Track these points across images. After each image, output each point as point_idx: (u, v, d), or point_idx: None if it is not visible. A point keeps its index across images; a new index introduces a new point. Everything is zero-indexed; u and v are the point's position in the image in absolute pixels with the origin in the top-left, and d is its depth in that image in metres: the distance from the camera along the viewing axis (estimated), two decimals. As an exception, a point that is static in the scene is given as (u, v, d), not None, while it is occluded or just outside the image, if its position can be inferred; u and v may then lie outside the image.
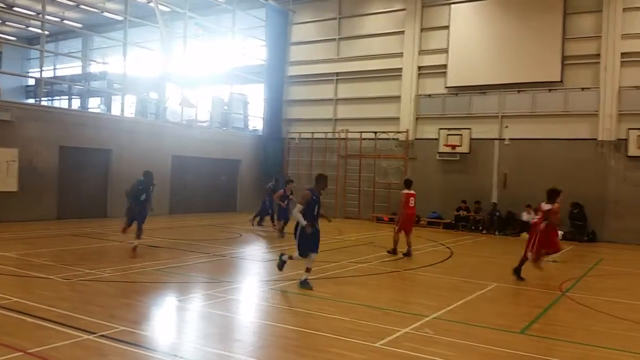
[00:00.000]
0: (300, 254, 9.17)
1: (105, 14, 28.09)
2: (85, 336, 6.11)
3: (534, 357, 6.14)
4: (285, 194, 16.58)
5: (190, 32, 23.93)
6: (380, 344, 6.30)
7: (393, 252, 13.56)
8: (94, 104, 29.13)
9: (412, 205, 13.55)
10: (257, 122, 27.90)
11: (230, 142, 25.13)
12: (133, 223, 12.02)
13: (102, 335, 6.14)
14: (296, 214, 8.93)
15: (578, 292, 10.04)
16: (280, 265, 9.58)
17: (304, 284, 9.08)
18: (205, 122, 25.45)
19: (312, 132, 25.66)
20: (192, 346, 6.16)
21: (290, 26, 26.93)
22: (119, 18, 24.94)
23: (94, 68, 31.93)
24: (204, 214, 22.51)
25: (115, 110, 23.41)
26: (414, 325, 7.14)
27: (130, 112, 23.51)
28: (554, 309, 8.77)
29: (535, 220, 10.99)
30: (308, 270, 9.20)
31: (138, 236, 11.91)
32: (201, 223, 19.64)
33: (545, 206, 10.78)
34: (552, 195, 10.84)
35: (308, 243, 9.07)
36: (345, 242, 15.97)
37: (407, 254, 13.34)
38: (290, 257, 9.40)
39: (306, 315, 7.55)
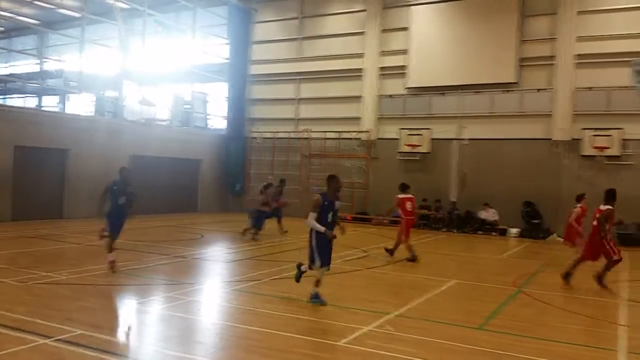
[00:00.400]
0: (322, 264, 8.18)
1: (62, 10, 27.31)
2: (42, 341, 5.94)
3: (492, 353, 6.30)
4: (267, 199, 16.17)
5: (149, 29, 23.50)
6: (344, 342, 6.35)
7: (412, 259, 12.83)
8: (50, 103, 28.29)
9: (409, 209, 13.17)
10: (218, 121, 27.65)
11: (191, 141, 24.81)
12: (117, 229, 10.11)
13: (60, 340, 5.98)
14: (311, 222, 8.02)
15: (534, 288, 10.34)
16: (298, 277, 8.66)
17: (316, 299, 8.14)
18: (165, 120, 25.05)
19: (275, 132, 25.60)
20: (152, 349, 6.07)
21: (252, 25, 26.79)
22: (76, 15, 24.29)
23: (50, 66, 30.99)
24: (164, 214, 22.13)
25: (72, 109, 22.81)
26: (376, 323, 7.22)
27: (87, 111, 22.95)
28: (511, 304, 9.00)
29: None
30: (318, 283, 8.23)
31: (111, 249, 10.08)
32: (161, 224, 19.33)
33: (603, 207, 10.73)
34: (610, 195, 10.90)
35: (322, 254, 8.14)
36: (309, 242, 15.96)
37: (412, 260, 12.83)
38: (310, 268, 8.39)
39: (269, 316, 7.53)
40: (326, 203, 8.12)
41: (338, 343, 6.32)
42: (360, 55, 23.90)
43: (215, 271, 11.53)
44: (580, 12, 19.97)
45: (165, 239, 15.25)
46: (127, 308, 8.13)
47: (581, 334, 7.28)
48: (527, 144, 20.63)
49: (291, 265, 11.54)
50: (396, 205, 13.32)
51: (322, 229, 8.00)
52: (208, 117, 27.67)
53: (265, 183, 17.36)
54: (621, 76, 19.29)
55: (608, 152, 19.11)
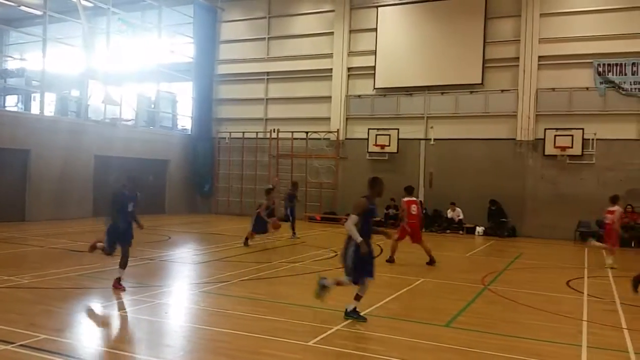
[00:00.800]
0: (354, 280, 7.36)
1: (23, 8, 26.56)
2: (3, 346, 5.78)
3: (459, 349, 6.40)
4: (269, 204, 15.45)
5: (114, 28, 23.06)
6: (313, 343, 6.36)
7: (390, 260, 12.75)
8: (11, 102, 27.47)
9: (414, 213, 12.69)
10: (186, 121, 27.34)
11: (157, 141, 24.46)
12: (116, 246, 9.00)
13: (22, 345, 5.83)
14: (350, 227, 7.16)
15: (500, 285, 10.55)
16: (320, 293, 7.59)
17: (354, 315, 7.37)
18: (130, 120, 24.62)
19: (243, 132, 25.45)
20: (118, 353, 5.96)
21: (219, 24, 26.58)
22: (38, 13, 23.65)
23: (10, 64, 30.08)
24: (130, 216, 21.77)
25: (34, 109, 22.23)
26: (345, 323, 7.25)
27: (49, 111, 22.38)
28: (478, 302, 9.16)
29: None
30: (358, 298, 7.43)
31: (124, 264, 8.93)
32: (128, 225, 18.96)
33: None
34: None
35: (365, 265, 7.35)
36: (277, 242, 15.95)
37: (431, 262, 12.54)
38: (339, 283, 7.55)
39: (238, 317, 7.49)
40: (371, 207, 7.41)
41: (307, 343, 6.33)
42: (328, 56, 23.97)
43: (183, 273, 11.39)
44: (543, 15, 20.45)
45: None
46: (93, 311, 7.97)
47: (545, 329, 7.45)
48: (491, 143, 21.03)
49: (262, 266, 11.52)
50: (406, 209, 12.74)
51: (358, 238, 7.12)
52: (177, 117, 27.35)
53: (270, 186, 17.13)
54: (582, 77, 19.87)
55: (570, 152, 19.62)
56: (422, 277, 11.00)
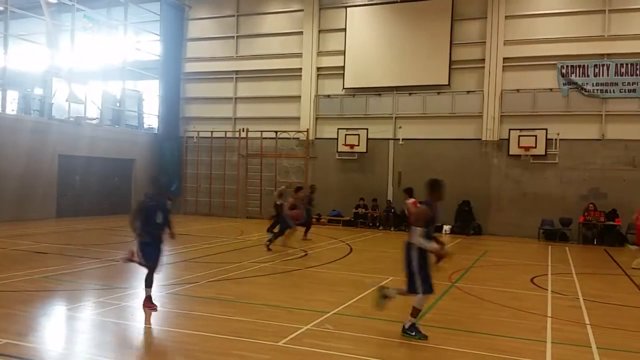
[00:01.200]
0: (426, 290, 6.73)
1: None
2: (-39, 353, 5.61)
3: (427, 346, 6.49)
4: (297, 203, 15.41)
5: (78, 25, 22.58)
6: (283, 343, 6.36)
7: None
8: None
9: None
10: (152, 120, 26.95)
11: (123, 140, 24.05)
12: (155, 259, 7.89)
13: (-19, 351, 5.66)
14: (421, 240, 6.61)
15: (466, 283, 10.72)
16: (381, 302, 7.18)
17: (413, 332, 6.75)
18: (95, 119, 24.13)
19: (212, 131, 25.22)
20: (83, 357, 5.85)
21: (186, 22, 26.28)
22: (0, 8, 23.00)
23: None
24: (95, 217, 21.37)
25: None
26: (315, 322, 7.27)
27: (12, 109, 21.79)
28: (445, 299, 9.29)
29: None
30: (416, 313, 6.80)
31: (149, 284, 7.83)
32: (92, 226, 18.63)
33: None
34: None
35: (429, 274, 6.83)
36: (246, 242, 15.88)
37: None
38: (401, 292, 7.06)
39: (206, 319, 7.43)
40: (432, 214, 6.75)
41: (277, 343, 6.32)
42: (298, 55, 23.95)
43: (151, 274, 11.22)
44: (508, 17, 20.85)
45: (97, 243, 14.71)
46: (56, 315, 7.79)
47: (510, 326, 7.61)
48: (458, 143, 21.35)
49: (231, 266, 11.44)
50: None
51: (434, 247, 6.71)
52: (143, 115, 26.94)
53: (281, 188, 17.04)
54: (546, 78, 20.34)
55: (533, 152, 20.06)
56: (392, 275, 11.09)
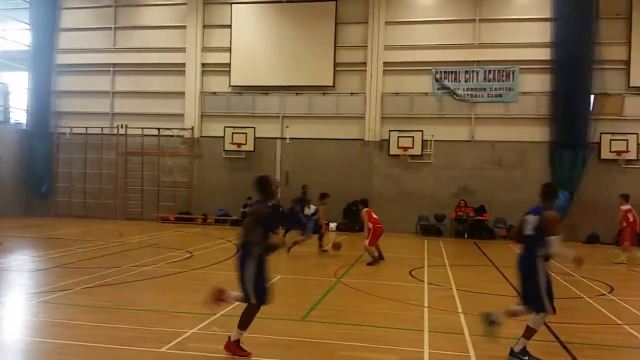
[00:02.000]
0: (548, 308, 5.99)
1: None
2: None
3: (313, 342, 6.63)
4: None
5: None
6: (166, 349, 6.16)
7: (379, 258, 13.51)
8: None
9: (376, 216, 13.62)
10: (20, 115, 24.79)
11: (-15, 136, 21.87)
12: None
13: None
14: (561, 250, 5.97)
15: (351, 278, 11.08)
16: (490, 330, 6.25)
17: (525, 356, 6.02)
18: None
19: (86, 127, 23.68)
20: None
21: (59, 10, 24.44)
22: None
23: None
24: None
25: None
26: (201, 325, 7.13)
27: None
28: (330, 295, 9.54)
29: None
30: (531, 334, 6.06)
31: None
32: (-52, 231, 16.75)
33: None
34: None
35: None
36: (126, 245, 15.13)
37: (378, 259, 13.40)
38: (513, 314, 6.32)
39: (84, 328, 6.98)
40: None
41: (160, 350, 6.11)
42: (181, 50, 23.23)
43: (19, 282, 10.32)
44: (388, 23, 21.80)
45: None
46: None
47: (391, 317, 7.98)
48: (342, 143, 21.97)
49: (109, 271, 10.83)
50: (368, 217, 13.47)
51: (572, 253, 6.09)
52: (9, 110, 24.69)
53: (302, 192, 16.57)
54: (422, 83, 21.54)
55: (411, 152, 21.20)
56: (279, 274, 11.15)
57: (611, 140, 19.72)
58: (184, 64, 23.20)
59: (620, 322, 8.13)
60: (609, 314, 8.61)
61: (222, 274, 11.33)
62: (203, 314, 7.64)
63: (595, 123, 19.66)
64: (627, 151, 19.58)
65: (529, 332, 6.03)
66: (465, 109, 21.30)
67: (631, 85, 20.00)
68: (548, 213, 6.06)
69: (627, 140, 19.64)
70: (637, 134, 19.71)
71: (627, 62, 20.02)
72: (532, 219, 6.16)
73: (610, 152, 19.69)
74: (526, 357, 5.99)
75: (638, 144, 19.66)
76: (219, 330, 6.91)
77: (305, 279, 11.10)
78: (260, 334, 6.81)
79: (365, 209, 13.73)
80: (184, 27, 23.30)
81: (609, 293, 10.35)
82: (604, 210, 18.19)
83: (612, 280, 11.59)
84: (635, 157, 19.64)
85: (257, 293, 6.06)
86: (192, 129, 23.00)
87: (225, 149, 22.46)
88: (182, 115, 23.24)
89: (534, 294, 6.01)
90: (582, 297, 9.91)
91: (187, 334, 6.72)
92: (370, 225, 13.39)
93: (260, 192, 6.40)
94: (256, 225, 6.04)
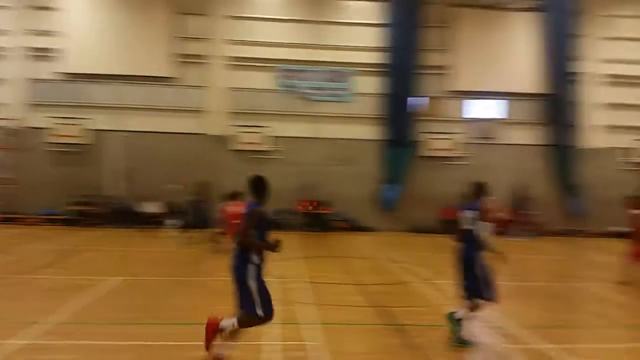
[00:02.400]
0: (492, 297, 6.75)
1: None
2: None
3: (153, 345, 6.47)
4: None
5: None
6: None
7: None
8: None
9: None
10: None
11: None
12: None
13: None
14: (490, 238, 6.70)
15: (198, 276, 10.96)
16: (458, 330, 6.64)
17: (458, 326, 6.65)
18: None
19: None
20: None
21: None
22: None
23: None
24: None
25: None
26: (31, 334, 6.56)
27: None
28: (178, 294, 9.34)
29: None
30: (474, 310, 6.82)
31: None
32: None
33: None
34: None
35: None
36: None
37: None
38: (468, 307, 6.77)
39: None
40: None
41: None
42: (2, 33, 20.86)
43: None
44: (229, 17, 21.76)
45: None
46: None
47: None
48: (185, 137, 21.45)
49: None
50: (226, 217, 12.68)
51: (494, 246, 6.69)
52: None
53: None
54: (267, 79, 21.88)
55: (256, 147, 21.44)
56: (121, 275, 10.64)
57: (433, 139, 22.03)
58: (5, 47, 20.89)
59: (447, 303, 9.07)
60: (433, 297, 9.59)
61: (52, 278, 10.49)
62: (31, 323, 7.03)
63: (420, 124, 21.72)
64: (448, 149, 21.98)
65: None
66: (309, 107, 22.06)
67: (453, 89, 22.41)
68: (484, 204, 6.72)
69: (448, 139, 22.05)
70: (456, 133, 22.16)
71: (450, 68, 22.37)
72: (470, 214, 6.69)
73: (432, 149, 21.96)
74: (459, 327, 6.59)
75: (456, 142, 22.12)
76: (52, 339, 6.42)
77: (150, 280, 10.72)
78: (103, 341, 6.48)
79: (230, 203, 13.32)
80: (8, 7, 20.96)
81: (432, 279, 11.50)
82: (427, 203, 20.36)
83: (434, 266, 12.86)
84: (454, 155, 22.06)
85: (264, 307, 5.76)
86: (16, 119, 20.74)
87: (52, 141, 20.67)
88: (5, 104, 20.88)
89: (472, 283, 6.63)
90: (411, 282, 10.90)
91: (15, 346, 6.16)
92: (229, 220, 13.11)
93: (254, 194, 6.10)
94: (253, 228, 5.78)
